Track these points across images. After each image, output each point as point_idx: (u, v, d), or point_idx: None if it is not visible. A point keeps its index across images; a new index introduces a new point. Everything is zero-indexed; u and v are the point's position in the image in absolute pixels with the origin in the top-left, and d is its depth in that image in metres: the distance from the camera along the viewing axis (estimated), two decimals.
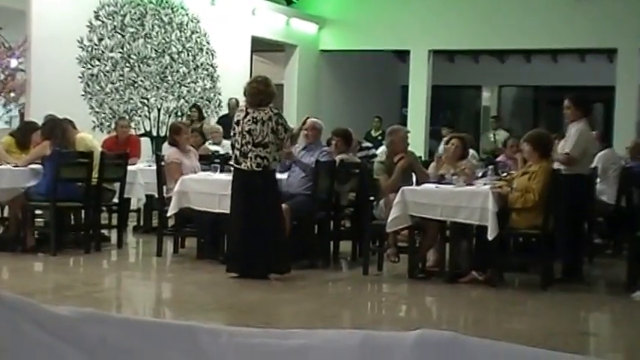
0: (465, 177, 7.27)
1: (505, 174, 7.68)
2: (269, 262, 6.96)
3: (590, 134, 7.63)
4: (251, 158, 6.89)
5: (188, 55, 13.25)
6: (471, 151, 10.80)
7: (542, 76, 19.72)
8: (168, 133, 9.02)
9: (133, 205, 10.02)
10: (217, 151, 9.98)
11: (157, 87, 12.69)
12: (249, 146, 6.89)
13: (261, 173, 6.91)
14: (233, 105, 12.98)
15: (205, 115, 12.92)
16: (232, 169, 7.22)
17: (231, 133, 7.19)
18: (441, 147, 10.24)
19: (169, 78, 12.93)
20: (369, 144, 13.41)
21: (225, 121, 12.26)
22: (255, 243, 6.89)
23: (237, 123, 7.02)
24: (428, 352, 2.16)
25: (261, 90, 6.99)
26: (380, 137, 15.87)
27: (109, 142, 9.82)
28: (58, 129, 8.19)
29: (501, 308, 6.42)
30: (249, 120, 6.93)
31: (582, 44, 15.89)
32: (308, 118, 8.12)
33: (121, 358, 2.22)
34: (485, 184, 7.21)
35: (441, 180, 7.42)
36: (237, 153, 6.99)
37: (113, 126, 11.06)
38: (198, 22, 13.41)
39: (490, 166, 8.05)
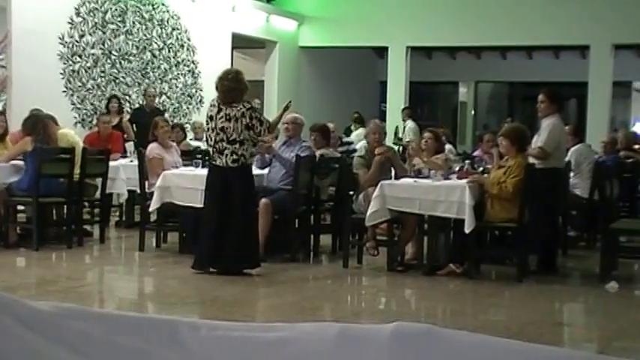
0: (441, 170, 7.42)
1: (482, 169, 7.81)
2: (239, 259, 6.93)
3: (563, 128, 7.78)
4: (227, 155, 6.84)
5: (169, 51, 13.29)
6: (448, 146, 10.94)
7: (518, 72, 20.01)
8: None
9: (115, 201, 10.05)
10: (199, 147, 10.04)
11: (139, 83, 12.71)
12: (224, 143, 6.83)
13: (237, 169, 6.86)
14: (151, 94, 12.04)
15: (126, 109, 11.95)
16: (208, 164, 7.18)
17: (205, 128, 7.19)
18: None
19: (150, 74, 12.96)
20: (349, 139, 13.53)
21: (140, 114, 11.50)
22: (228, 239, 6.84)
23: (211, 118, 6.94)
24: (404, 343, 2.21)
25: (232, 87, 6.86)
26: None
27: (91, 138, 9.81)
28: (39, 125, 8.18)
29: (478, 300, 6.52)
30: (222, 117, 6.85)
31: (556, 41, 16.10)
32: (290, 102, 7.92)
33: (102, 352, 2.24)
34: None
35: (418, 174, 7.55)
36: (212, 150, 6.95)
37: (95, 122, 11.07)
38: (178, 18, 13.45)
39: (467, 161, 8.17)
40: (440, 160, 7.71)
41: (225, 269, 6.91)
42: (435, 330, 2.29)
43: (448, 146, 10.90)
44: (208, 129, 6.99)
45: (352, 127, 16.20)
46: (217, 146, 6.87)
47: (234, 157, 6.83)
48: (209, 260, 6.99)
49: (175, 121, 12.44)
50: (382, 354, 2.20)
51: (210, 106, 7.09)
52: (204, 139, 7.40)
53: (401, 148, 12.77)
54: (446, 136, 11.35)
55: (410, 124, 15.44)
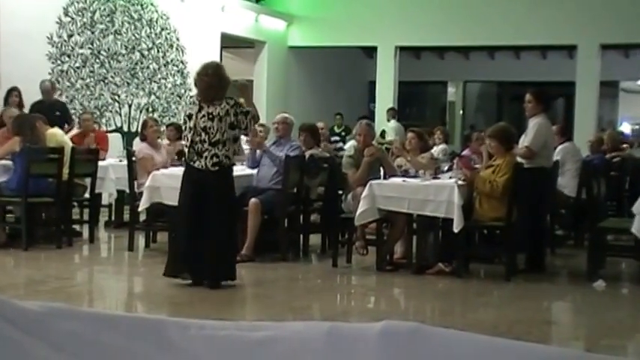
0: (429, 170, 7.45)
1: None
2: (215, 269, 6.38)
3: (550, 128, 7.82)
4: (206, 157, 6.28)
5: (158, 51, 13.27)
6: (443, 146, 11.02)
7: (506, 71, 20.12)
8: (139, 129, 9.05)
9: (105, 200, 10.03)
10: None
11: (128, 83, 12.70)
12: (205, 145, 6.27)
13: (217, 173, 6.31)
14: (46, 88, 10.68)
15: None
16: (185, 165, 6.62)
17: (183, 128, 6.62)
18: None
19: (140, 74, 12.94)
20: (336, 138, 13.60)
21: (40, 108, 10.18)
22: (202, 247, 6.29)
23: (190, 117, 6.37)
24: (392, 342, 2.21)
25: (212, 84, 6.31)
26: (343, 133, 16.08)
27: (76, 138, 9.78)
28: (27, 125, 8.18)
29: (467, 299, 6.57)
30: (203, 116, 6.29)
31: (544, 41, 16.19)
32: (242, 82, 7.51)
33: (91, 352, 2.24)
34: (451, 177, 7.39)
35: (405, 174, 7.58)
36: (189, 150, 6.37)
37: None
38: (167, 18, 13.44)
39: (455, 160, 8.21)
40: (425, 160, 7.74)
41: (200, 280, 6.47)
42: (424, 328, 2.29)
43: (443, 146, 11.00)
44: (186, 128, 6.43)
45: (335, 128, 16.31)
46: (196, 147, 6.31)
47: (215, 159, 6.28)
48: (182, 268, 6.51)
49: (164, 121, 12.44)
50: (371, 352, 2.21)
51: (191, 103, 6.64)
52: (183, 137, 7.01)
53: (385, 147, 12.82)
54: (444, 135, 11.45)
55: (393, 123, 15.48)
